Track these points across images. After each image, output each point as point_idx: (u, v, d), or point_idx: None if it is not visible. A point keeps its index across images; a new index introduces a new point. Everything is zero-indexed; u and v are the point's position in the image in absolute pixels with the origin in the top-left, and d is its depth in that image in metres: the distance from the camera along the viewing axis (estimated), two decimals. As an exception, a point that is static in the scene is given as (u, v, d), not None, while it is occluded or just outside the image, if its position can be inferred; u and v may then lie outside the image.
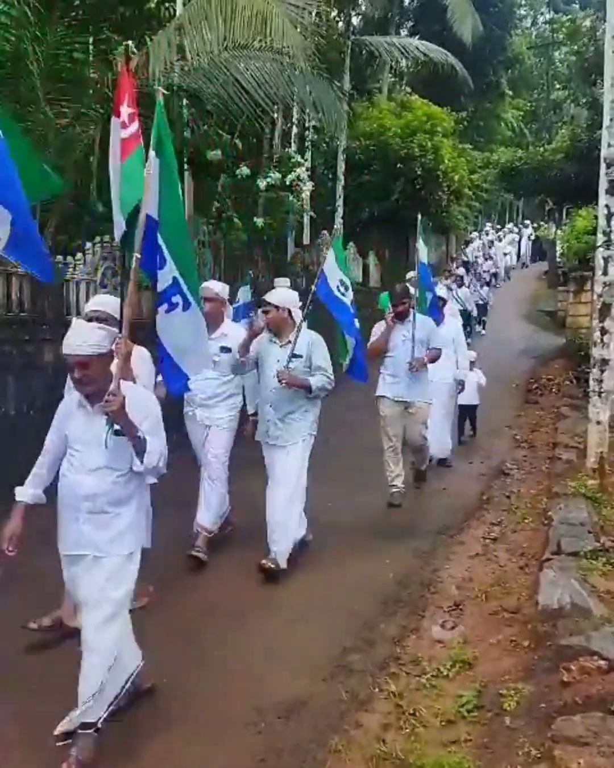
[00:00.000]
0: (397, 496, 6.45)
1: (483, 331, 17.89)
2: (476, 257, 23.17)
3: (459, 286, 14.68)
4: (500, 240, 28.47)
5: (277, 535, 4.91)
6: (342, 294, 5.70)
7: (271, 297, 5.23)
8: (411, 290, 6.74)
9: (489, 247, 25.94)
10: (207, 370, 4.73)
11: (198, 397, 5.24)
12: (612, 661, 3.30)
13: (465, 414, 9.01)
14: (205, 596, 4.63)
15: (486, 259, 23.61)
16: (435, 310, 7.38)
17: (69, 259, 7.39)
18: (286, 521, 4.95)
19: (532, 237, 31.44)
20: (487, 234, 28.09)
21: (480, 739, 3.12)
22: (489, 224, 31.50)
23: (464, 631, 4.14)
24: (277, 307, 5.13)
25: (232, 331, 5.33)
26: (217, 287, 5.40)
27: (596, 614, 3.78)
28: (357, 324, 5.80)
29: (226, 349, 5.21)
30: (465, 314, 13.00)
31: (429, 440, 6.89)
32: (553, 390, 11.68)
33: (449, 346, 7.46)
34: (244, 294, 7.77)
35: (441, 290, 10.22)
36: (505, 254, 27.25)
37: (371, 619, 4.34)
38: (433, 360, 6.59)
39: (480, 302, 17.69)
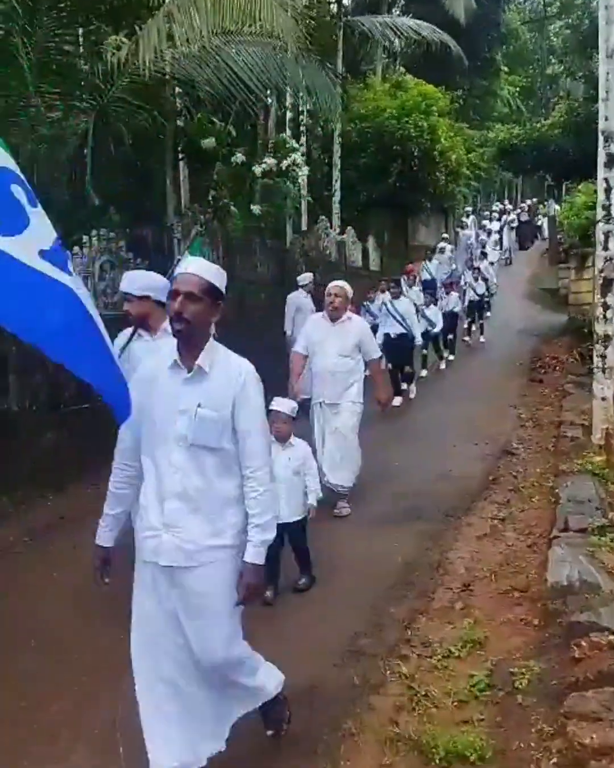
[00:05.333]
0: None
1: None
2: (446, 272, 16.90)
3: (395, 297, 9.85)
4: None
5: None
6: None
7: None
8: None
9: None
10: None
11: None
12: (623, 636, 3.31)
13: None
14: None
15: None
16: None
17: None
18: None
19: (514, 225, 28.67)
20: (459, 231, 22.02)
21: (493, 718, 3.14)
22: (467, 220, 25.56)
23: (474, 612, 4.16)
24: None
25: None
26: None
27: (605, 590, 3.79)
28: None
29: None
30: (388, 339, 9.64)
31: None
32: (557, 368, 11.64)
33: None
34: None
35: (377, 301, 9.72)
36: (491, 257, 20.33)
37: (380, 602, 4.35)
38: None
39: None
